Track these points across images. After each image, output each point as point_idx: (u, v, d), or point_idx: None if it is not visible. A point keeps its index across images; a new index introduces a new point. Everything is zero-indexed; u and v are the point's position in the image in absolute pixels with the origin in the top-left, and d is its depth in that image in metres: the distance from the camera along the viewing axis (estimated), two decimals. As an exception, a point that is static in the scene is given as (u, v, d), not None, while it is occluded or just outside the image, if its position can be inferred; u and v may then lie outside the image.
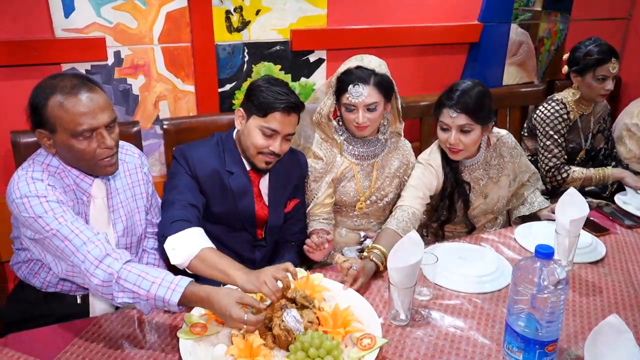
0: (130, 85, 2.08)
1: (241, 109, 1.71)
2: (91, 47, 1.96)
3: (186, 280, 1.28)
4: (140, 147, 2.06)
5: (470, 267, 1.64)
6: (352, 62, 1.83)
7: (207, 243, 1.49)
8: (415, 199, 1.88)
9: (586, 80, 2.30)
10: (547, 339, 1.19)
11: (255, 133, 1.66)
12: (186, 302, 1.28)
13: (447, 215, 1.97)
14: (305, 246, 1.70)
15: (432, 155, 1.97)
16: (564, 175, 2.32)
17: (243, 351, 1.18)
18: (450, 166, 1.92)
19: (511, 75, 3.70)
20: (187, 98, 2.19)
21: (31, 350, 1.27)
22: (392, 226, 1.79)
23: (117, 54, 2.02)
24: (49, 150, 1.42)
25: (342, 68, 1.84)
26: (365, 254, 1.65)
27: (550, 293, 1.15)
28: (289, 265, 1.36)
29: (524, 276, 1.19)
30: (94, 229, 1.38)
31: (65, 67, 1.96)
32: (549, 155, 2.34)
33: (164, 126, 2.08)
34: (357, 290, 1.50)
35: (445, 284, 1.57)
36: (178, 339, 1.28)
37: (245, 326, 1.22)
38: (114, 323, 1.39)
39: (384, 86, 1.82)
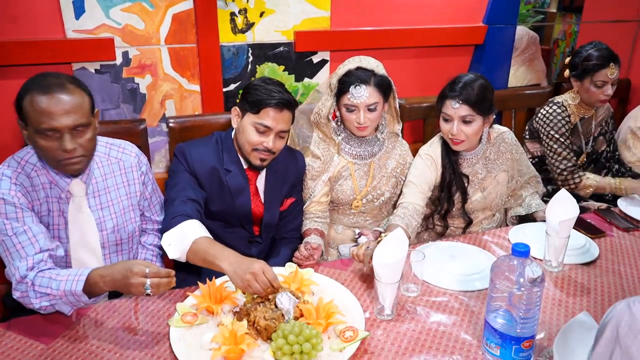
0: (138, 84, 2.16)
1: (237, 108, 1.77)
2: (100, 47, 2.04)
3: (89, 269, 1.37)
4: (146, 144, 2.13)
5: (459, 265, 1.67)
6: (351, 64, 1.87)
7: (201, 233, 1.52)
8: (416, 194, 1.92)
9: (585, 85, 2.30)
10: (523, 336, 1.21)
11: (249, 130, 1.71)
12: (92, 286, 1.34)
13: (446, 207, 2.01)
14: (294, 258, 1.74)
15: (432, 146, 2.02)
16: (577, 180, 2.30)
17: (228, 339, 1.24)
18: (450, 158, 1.97)
19: (520, 77, 3.71)
20: (192, 97, 2.26)
21: (32, 333, 1.35)
22: (396, 222, 1.83)
23: (125, 54, 2.10)
24: (28, 142, 1.48)
25: (341, 70, 1.88)
26: (382, 235, 1.68)
27: (526, 290, 1.18)
28: (273, 281, 1.38)
29: (501, 274, 1.22)
30: (38, 244, 1.43)
31: (75, 66, 2.05)
32: (559, 158, 2.33)
33: (170, 124, 2.15)
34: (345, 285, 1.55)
35: (433, 282, 1.60)
36: (169, 327, 1.35)
37: (148, 285, 1.27)
38: (111, 311, 1.46)
39: (384, 86, 1.86)
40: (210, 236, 1.55)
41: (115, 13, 2.03)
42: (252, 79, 2.31)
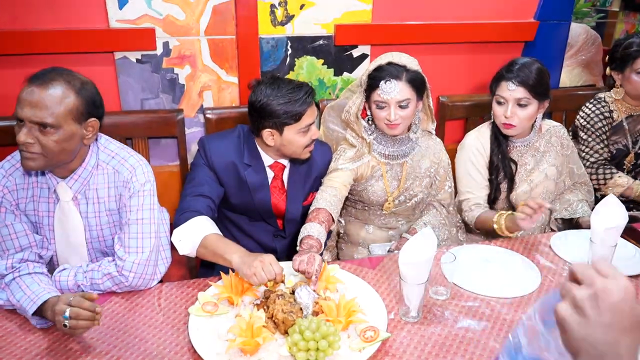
0: (177, 74, 2.18)
1: (267, 130, 1.70)
2: (142, 37, 2.07)
3: (48, 295, 1.31)
4: (183, 134, 2.16)
5: (493, 269, 1.59)
6: (382, 59, 1.81)
7: (211, 230, 1.54)
8: (479, 189, 1.96)
9: (626, 75, 2.18)
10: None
11: (297, 138, 1.71)
12: (44, 311, 1.30)
13: (493, 195, 1.97)
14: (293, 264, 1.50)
15: (481, 130, 2.01)
16: (607, 175, 2.20)
17: (245, 331, 1.21)
18: (499, 142, 1.94)
19: (575, 77, 3.52)
20: (230, 89, 2.26)
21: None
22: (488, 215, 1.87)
23: (165, 44, 2.12)
24: None
25: (372, 66, 1.82)
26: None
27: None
28: (279, 275, 1.38)
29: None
30: (18, 241, 1.44)
31: (117, 55, 2.09)
32: (590, 152, 2.24)
33: (207, 115, 2.16)
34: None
35: (464, 285, 1.53)
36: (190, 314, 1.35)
37: (67, 313, 1.21)
38: (136, 295, 1.48)
39: (417, 83, 1.79)
40: (220, 233, 1.56)
41: (157, 3, 2.05)
42: (291, 71, 2.29)
